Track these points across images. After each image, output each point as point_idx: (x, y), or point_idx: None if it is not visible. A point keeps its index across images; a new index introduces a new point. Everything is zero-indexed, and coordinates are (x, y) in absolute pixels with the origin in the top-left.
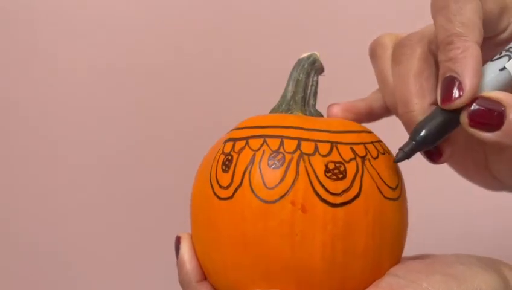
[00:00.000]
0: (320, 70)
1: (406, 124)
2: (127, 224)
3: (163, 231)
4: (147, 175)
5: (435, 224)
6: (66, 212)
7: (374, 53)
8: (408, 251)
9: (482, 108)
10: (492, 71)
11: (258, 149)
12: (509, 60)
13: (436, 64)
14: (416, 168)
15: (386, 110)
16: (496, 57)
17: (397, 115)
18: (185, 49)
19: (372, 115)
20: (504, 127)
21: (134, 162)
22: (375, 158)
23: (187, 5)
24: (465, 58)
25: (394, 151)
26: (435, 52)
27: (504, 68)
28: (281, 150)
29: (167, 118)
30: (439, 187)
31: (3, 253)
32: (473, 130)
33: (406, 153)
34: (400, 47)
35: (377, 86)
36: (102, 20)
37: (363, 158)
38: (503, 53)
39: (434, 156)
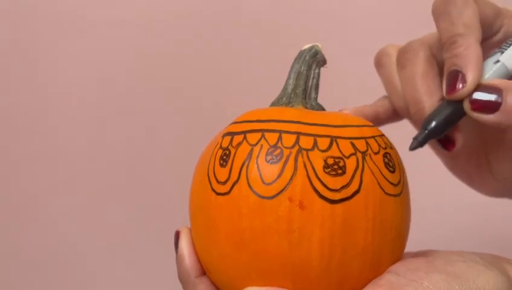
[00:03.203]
0: (322, 62)
1: (418, 122)
2: (126, 219)
3: (162, 227)
4: (146, 170)
5: (435, 219)
6: (64, 210)
7: (380, 62)
8: (408, 247)
9: (482, 93)
10: (489, 65)
11: (256, 144)
12: (502, 54)
13: (438, 66)
14: (415, 165)
15: (391, 116)
16: (491, 54)
17: (408, 117)
18: (184, 41)
19: (378, 120)
20: (502, 108)
21: (133, 157)
22: (376, 153)
23: None
24: (468, 55)
25: (398, 147)
26: (436, 55)
27: (498, 61)
28: (279, 144)
29: (166, 112)
30: (439, 182)
31: (4, 253)
32: (476, 114)
33: (419, 142)
34: (403, 53)
35: (380, 85)
36: (102, 18)
37: (363, 153)
38: (497, 50)
39: (448, 145)
